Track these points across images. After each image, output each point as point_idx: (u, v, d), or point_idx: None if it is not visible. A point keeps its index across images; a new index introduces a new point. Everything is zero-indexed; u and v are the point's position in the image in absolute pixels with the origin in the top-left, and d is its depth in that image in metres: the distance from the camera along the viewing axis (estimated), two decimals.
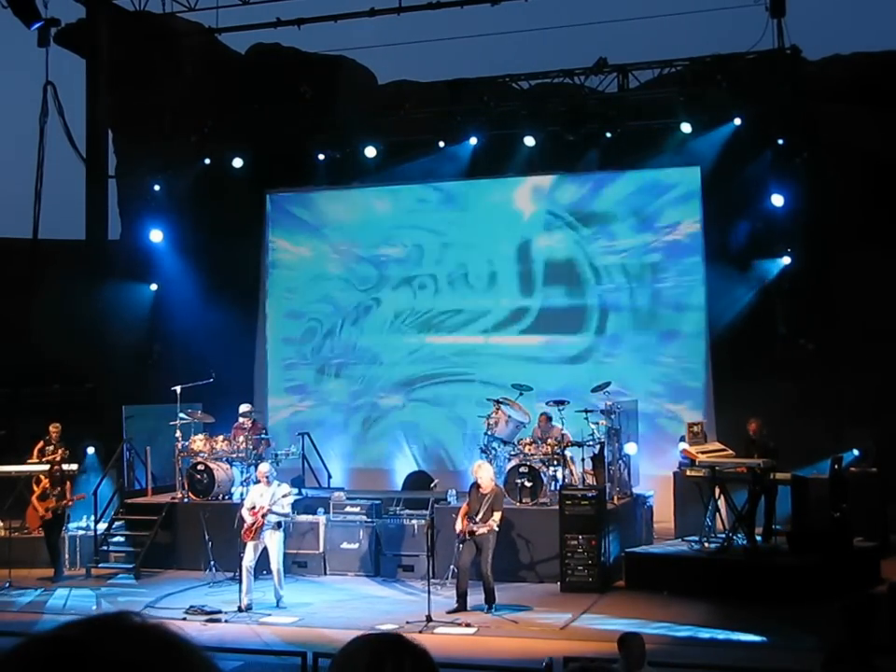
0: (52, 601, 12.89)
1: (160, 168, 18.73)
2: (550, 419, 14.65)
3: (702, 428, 14.53)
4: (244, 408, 15.65)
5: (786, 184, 15.84)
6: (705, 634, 10.85)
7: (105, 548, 14.95)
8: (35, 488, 14.70)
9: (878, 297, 16.07)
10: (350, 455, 18.69)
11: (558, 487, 13.72)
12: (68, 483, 14.63)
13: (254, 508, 12.46)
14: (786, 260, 16.18)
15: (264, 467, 12.99)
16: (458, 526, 12.09)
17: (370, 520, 14.26)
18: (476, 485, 12.17)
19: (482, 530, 11.90)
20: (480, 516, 11.92)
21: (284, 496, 12.53)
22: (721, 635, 10.79)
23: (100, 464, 16.57)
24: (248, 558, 12.30)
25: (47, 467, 14.76)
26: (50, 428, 15.67)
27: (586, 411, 14.26)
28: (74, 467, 15.63)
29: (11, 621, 11.61)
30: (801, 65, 16.41)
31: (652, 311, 17.48)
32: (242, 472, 15.22)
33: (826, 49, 17.77)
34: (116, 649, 1.23)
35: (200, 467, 15.05)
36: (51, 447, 15.52)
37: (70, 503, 14.57)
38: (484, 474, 12.16)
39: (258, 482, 13.04)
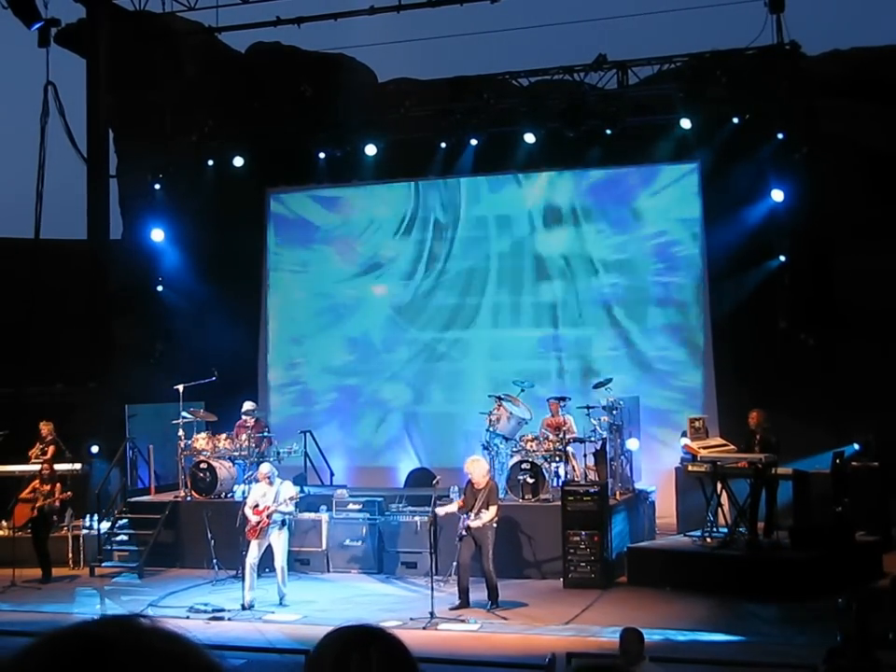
0: (57, 601, 12.88)
1: (160, 167, 18.74)
2: (558, 402, 14.69)
3: (703, 423, 14.55)
4: (246, 406, 15.67)
5: (786, 179, 15.84)
6: (706, 631, 10.86)
7: (109, 547, 14.98)
8: (27, 487, 14.71)
9: (879, 290, 16.08)
10: (352, 452, 18.71)
11: (560, 484, 13.75)
12: (58, 483, 14.56)
13: (257, 507, 12.47)
14: (785, 256, 16.17)
15: (265, 468, 12.92)
16: (440, 511, 12.11)
17: (372, 517, 14.28)
18: (470, 481, 12.19)
19: (475, 524, 11.92)
20: (475, 511, 11.95)
21: (290, 497, 12.53)
22: (722, 631, 10.80)
23: (103, 463, 16.58)
24: (252, 556, 12.32)
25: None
26: (41, 426, 15.69)
27: (588, 407, 14.30)
28: (77, 466, 15.66)
29: (14, 620, 11.62)
30: (800, 61, 16.41)
31: (653, 307, 17.50)
32: (244, 471, 15.24)
33: (825, 44, 17.82)
34: (136, 644, 1.28)
35: (203, 465, 15.08)
36: (41, 445, 15.53)
37: (56, 502, 14.45)
38: (477, 469, 12.15)
39: (258, 481, 13.05)
